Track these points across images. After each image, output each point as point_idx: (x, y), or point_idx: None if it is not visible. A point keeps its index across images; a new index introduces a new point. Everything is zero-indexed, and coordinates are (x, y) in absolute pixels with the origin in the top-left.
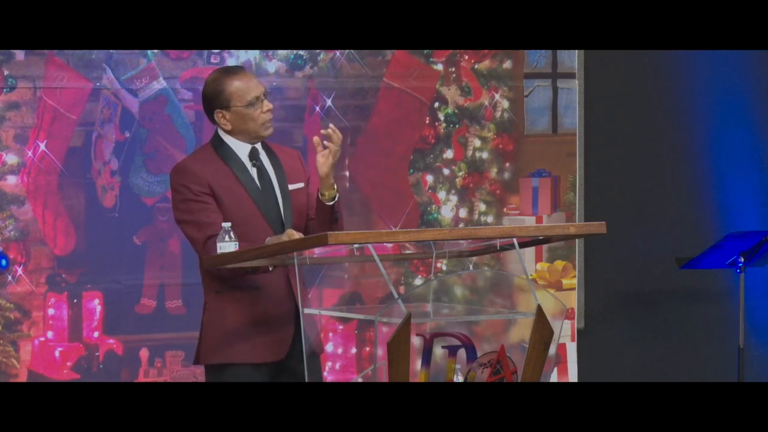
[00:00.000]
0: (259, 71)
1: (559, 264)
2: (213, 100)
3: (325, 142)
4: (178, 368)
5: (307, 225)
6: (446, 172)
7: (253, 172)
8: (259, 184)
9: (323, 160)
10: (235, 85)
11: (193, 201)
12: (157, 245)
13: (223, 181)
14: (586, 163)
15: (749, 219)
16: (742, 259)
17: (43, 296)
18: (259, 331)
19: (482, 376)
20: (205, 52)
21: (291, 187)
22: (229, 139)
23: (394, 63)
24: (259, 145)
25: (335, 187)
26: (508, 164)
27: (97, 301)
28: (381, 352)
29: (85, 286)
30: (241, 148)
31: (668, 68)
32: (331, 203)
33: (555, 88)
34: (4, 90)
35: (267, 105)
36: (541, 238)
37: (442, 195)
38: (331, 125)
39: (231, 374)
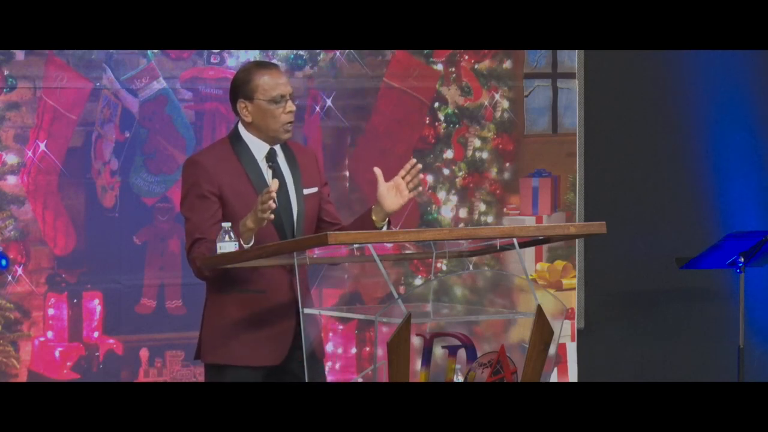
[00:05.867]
0: None
1: (559, 264)
2: (239, 88)
3: (402, 179)
4: (178, 368)
5: (319, 227)
6: (446, 172)
7: (268, 174)
8: None
9: (400, 201)
10: (264, 78)
11: (198, 198)
12: (157, 245)
13: (234, 180)
14: (586, 163)
15: (749, 219)
16: (742, 259)
17: (43, 296)
18: (259, 334)
19: (482, 376)
20: (205, 52)
21: (306, 191)
22: (247, 136)
23: (394, 63)
24: (278, 146)
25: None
26: (508, 164)
27: (97, 301)
28: (381, 352)
29: (85, 286)
30: (258, 148)
31: (668, 68)
32: (383, 225)
33: (555, 88)
34: (4, 90)
35: (290, 106)
36: (541, 238)
37: (442, 195)
38: (413, 160)
39: (229, 375)
